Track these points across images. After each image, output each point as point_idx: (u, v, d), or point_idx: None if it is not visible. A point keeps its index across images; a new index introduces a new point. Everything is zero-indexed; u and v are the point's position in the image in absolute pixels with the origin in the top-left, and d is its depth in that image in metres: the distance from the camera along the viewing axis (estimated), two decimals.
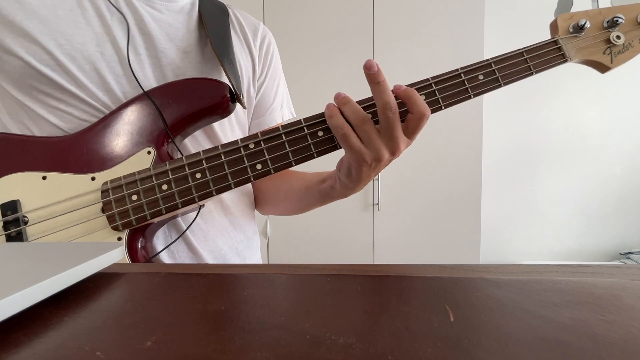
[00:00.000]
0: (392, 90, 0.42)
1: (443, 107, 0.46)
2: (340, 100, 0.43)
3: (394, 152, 0.42)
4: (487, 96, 1.85)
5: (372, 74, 0.41)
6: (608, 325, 0.15)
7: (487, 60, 0.47)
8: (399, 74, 1.70)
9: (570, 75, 2.07)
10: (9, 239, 0.41)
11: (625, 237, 2.23)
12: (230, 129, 0.58)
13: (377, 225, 1.76)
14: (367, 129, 0.42)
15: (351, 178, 0.45)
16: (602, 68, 0.50)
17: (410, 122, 0.42)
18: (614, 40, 0.48)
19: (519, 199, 2.24)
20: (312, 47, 1.73)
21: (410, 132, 0.42)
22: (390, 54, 1.72)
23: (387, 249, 1.76)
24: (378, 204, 1.74)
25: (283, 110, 0.66)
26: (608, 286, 0.20)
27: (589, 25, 0.48)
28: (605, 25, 0.49)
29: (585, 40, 0.49)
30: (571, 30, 0.49)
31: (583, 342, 0.14)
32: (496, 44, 2.09)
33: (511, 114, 2.20)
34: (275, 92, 0.65)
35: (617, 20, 0.48)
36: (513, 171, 2.23)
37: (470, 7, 1.68)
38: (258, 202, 0.67)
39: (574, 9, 0.50)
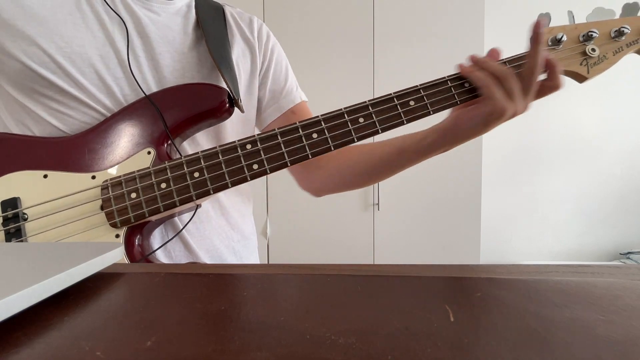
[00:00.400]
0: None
1: (432, 113, 0.48)
2: (480, 59, 0.48)
3: (526, 107, 0.48)
4: None
5: (538, 34, 0.46)
6: (608, 325, 0.15)
7: None
8: (399, 74, 1.71)
9: None
10: (8, 235, 0.42)
11: (625, 237, 2.23)
12: (232, 129, 0.58)
13: (377, 225, 1.76)
14: (513, 83, 0.46)
15: (479, 129, 0.49)
16: (580, 78, 0.54)
17: (544, 89, 0.49)
18: (590, 53, 0.52)
19: (519, 199, 2.24)
20: (312, 47, 1.73)
21: (536, 97, 0.49)
22: (390, 54, 1.72)
23: (387, 249, 1.76)
24: (378, 204, 1.74)
25: (298, 91, 0.65)
26: (608, 286, 0.20)
27: (566, 39, 0.52)
28: (581, 39, 0.52)
29: (563, 52, 0.52)
30: (550, 43, 0.52)
31: (583, 342, 0.14)
32: (496, 45, 2.09)
33: None
34: (285, 76, 0.64)
35: (591, 35, 0.51)
36: (513, 171, 2.23)
37: (470, 7, 1.68)
38: (308, 178, 0.65)
39: (551, 24, 0.53)
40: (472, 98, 0.49)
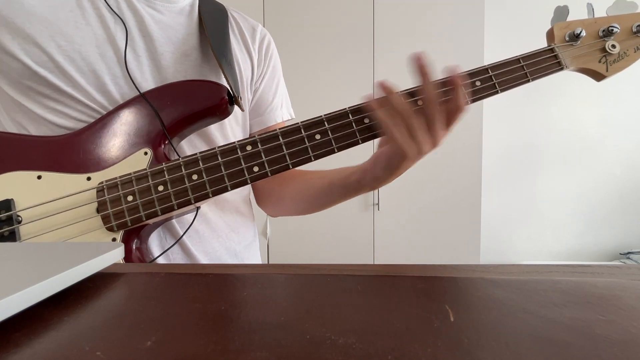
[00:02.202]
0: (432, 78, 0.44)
1: None
2: (387, 90, 0.43)
3: (435, 144, 0.44)
4: None
5: (422, 65, 0.43)
6: (608, 325, 0.15)
7: (485, 66, 0.48)
8: (399, 74, 1.70)
9: (570, 76, 2.06)
10: (2, 238, 0.41)
11: (625, 237, 2.23)
12: (231, 131, 0.58)
13: (377, 225, 1.76)
14: (412, 123, 0.43)
15: (389, 171, 0.46)
16: (598, 76, 0.51)
17: (451, 114, 0.44)
18: (610, 49, 0.49)
19: (519, 198, 2.24)
20: (312, 48, 1.73)
21: (448, 124, 0.44)
22: (390, 54, 1.72)
23: (387, 249, 1.76)
24: (378, 204, 1.74)
25: (282, 110, 0.65)
26: (608, 286, 0.20)
27: (584, 34, 0.48)
28: (600, 34, 0.49)
29: (581, 49, 0.49)
30: (567, 38, 0.49)
31: (583, 342, 0.14)
32: (496, 45, 2.09)
33: (511, 113, 2.20)
34: (274, 91, 0.64)
35: (612, 30, 0.48)
36: (513, 171, 2.23)
37: (470, 7, 1.68)
38: (261, 201, 0.67)
39: (570, 18, 0.50)
40: (334, 150, 0.45)
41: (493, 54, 1.53)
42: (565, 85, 2.12)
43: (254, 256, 0.64)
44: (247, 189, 0.64)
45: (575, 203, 2.23)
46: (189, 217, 0.51)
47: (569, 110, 2.18)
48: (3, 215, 0.41)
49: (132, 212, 0.43)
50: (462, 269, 0.23)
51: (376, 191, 1.74)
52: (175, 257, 0.52)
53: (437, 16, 1.69)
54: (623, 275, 0.22)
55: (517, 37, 2.11)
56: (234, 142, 0.45)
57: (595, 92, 2.15)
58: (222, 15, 0.59)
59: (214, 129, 0.55)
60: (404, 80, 0.48)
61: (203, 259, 0.54)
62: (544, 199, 2.23)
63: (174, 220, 0.51)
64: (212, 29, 0.55)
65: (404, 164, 0.45)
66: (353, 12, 1.72)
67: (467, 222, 1.73)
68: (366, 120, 0.46)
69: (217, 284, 0.21)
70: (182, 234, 0.51)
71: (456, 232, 1.74)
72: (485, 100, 0.48)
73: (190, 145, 0.53)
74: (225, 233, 0.57)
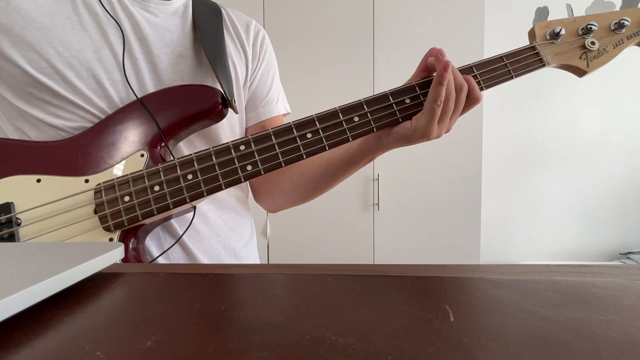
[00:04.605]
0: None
1: None
2: (446, 67, 0.45)
3: (447, 131, 0.48)
4: (487, 95, 1.85)
5: (445, 62, 0.45)
6: (608, 325, 0.15)
7: (469, 64, 0.49)
8: (399, 74, 1.70)
9: (570, 75, 2.07)
10: (2, 240, 0.41)
11: (625, 237, 2.22)
12: (231, 130, 0.58)
13: (377, 225, 1.76)
14: (448, 107, 0.46)
15: (401, 144, 0.49)
16: (579, 72, 0.53)
17: (465, 105, 0.48)
18: (589, 46, 0.51)
19: (519, 199, 2.24)
20: (312, 48, 1.73)
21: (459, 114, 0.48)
22: (390, 54, 1.72)
23: (387, 249, 1.76)
24: (378, 204, 1.74)
25: (278, 104, 0.65)
26: (608, 286, 0.20)
27: (564, 32, 0.51)
28: (580, 32, 0.52)
29: (562, 46, 0.51)
30: (548, 37, 0.51)
31: (583, 342, 0.14)
32: (496, 44, 2.09)
33: (511, 113, 2.20)
34: (269, 85, 0.64)
35: (590, 28, 0.51)
36: (513, 171, 2.23)
37: (470, 7, 1.68)
38: (258, 194, 0.67)
39: (550, 18, 0.52)
40: (325, 148, 0.48)
41: (493, 53, 1.53)
42: (566, 85, 2.12)
43: (252, 255, 0.64)
44: (245, 188, 0.64)
45: (575, 203, 2.23)
46: (188, 216, 0.52)
47: (569, 110, 2.18)
48: (3, 218, 0.42)
49: (129, 212, 0.44)
50: (462, 269, 0.23)
51: (376, 191, 1.74)
52: (176, 256, 0.52)
53: (437, 16, 1.69)
54: (623, 275, 0.22)
55: (517, 37, 2.11)
56: (228, 143, 0.46)
57: (595, 92, 2.15)
58: (215, 14, 0.59)
59: (212, 129, 0.55)
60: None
61: (203, 258, 0.54)
62: (544, 199, 2.23)
63: (172, 221, 0.51)
64: (206, 30, 0.55)
65: (417, 142, 0.48)
66: (353, 12, 1.72)
67: (467, 222, 1.73)
68: (356, 119, 0.47)
69: (217, 284, 0.21)
70: (181, 233, 0.51)
71: (456, 232, 1.74)
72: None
73: (189, 145, 0.54)
74: (223, 232, 0.58)
